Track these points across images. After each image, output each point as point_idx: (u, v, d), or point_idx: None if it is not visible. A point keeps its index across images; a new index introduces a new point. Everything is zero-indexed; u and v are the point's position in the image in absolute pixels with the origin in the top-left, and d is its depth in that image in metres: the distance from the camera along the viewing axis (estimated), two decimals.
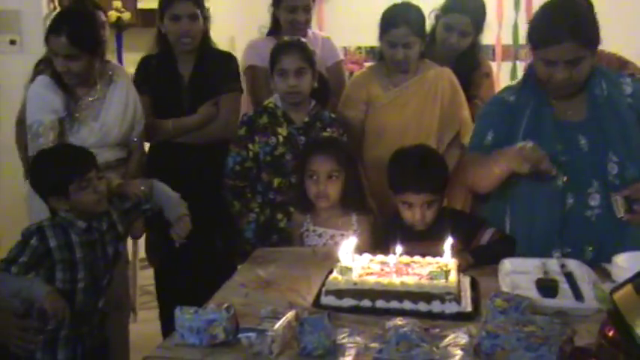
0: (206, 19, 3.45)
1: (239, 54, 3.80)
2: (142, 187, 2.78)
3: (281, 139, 3.09)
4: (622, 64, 3.83)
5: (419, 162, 2.74)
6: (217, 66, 3.46)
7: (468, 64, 3.63)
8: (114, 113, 3.10)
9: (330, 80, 3.72)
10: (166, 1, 3.41)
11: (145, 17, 7.03)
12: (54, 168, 2.59)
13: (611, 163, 2.49)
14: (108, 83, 3.09)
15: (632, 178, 2.49)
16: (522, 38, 5.88)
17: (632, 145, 2.50)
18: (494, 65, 5.90)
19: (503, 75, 5.81)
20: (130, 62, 6.91)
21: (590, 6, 2.54)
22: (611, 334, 1.75)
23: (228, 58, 3.55)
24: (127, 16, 6.79)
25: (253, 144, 3.11)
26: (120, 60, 6.87)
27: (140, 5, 6.94)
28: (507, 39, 6.00)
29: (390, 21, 3.26)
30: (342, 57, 3.95)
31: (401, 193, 2.71)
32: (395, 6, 3.36)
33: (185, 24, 3.35)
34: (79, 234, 2.57)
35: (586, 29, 2.42)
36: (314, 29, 3.96)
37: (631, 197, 2.45)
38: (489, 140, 2.66)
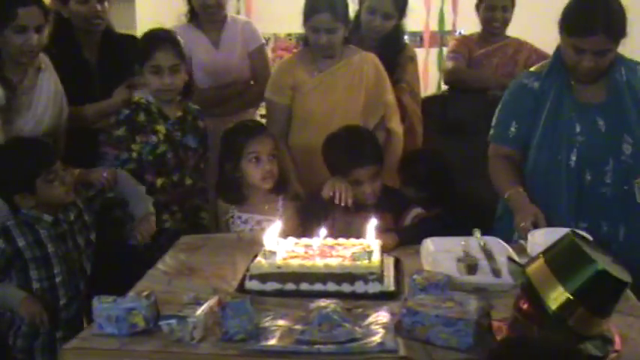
0: (108, 1, 3.34)
1: None
2: (105, 174, 2.75)
3: (161, 136, 2.97)
4: (542, 57, 3.92)
5: (357, 138, 2.89)
6: (124, 49, 3.33)
7: (393, 47, 3.63)
8: (45, 101, 3.00)
9: (253, 65, 3.74)
10: None
11: None
12: (18, 164, 2.51)
13: (626, 144, 2.58)
14: (36, 71, 3.00)
15: None
16: (449, 25, 6.03)
17: None
18: (422, 52, 6.00)
19: (431, 61, 5.87)
20: None
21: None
22: (525, 307, 1.80)
23: (133, 40, 3.42)
24: None
25: (135, 144, 2.97)
26: None
27: None
28: (435, 26, 6.06)
29: (313, 7, 3.22)
30: (263, 41, 3.87)
31: (348, 173, 2.77)
32: None
33: (94, 5, 3.26)
34: (47, 228, 2.51)
35: (618, 24, 2.50)
36: (241, 14, 3.92)
37: None
38: (513, 131, 2.74)
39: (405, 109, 3.71)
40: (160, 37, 2.97)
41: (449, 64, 4.07)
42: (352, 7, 3.55)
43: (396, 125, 3.39)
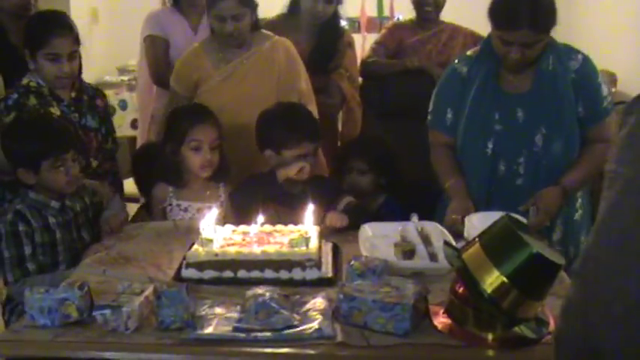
0: None
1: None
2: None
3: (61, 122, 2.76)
4: (479, 40, 3.96)
5: (294, 114, 2.85)
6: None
7: (332, 33, 3.62)
8: None
9: None
10: None
11: None
12: (32, 139, 2.46)
13: (539, 135, 2.58)
14: None
15: (557, 151, 2.58)
16: (386, 10, 6.05)
17: (562, 120, 2.58)
18: (359, 37, 6.02)
19: (369, 46, 5.89)
20: None
21: None
22: (460, 290, 1.82)
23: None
24: None
25: None
26: None
27: None
28: (372, 11, 6.08)
29: None
30: None
31: (287, 146, 2.74)
32: None
33: None
34: (54, 215, 2.46)
35: (544, 17, 2.48)
36: None
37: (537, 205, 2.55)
38: (450, 118, 2.74)
39: (343, 94, 3.71)
40: (58, 23, 2.83)
41: (364, 55, 4.11)
42: None
43: (313, 106, 3.25)
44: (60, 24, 2.82)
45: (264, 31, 3.25)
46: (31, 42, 2.81)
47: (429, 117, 2.85)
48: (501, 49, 2.55)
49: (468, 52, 2.84)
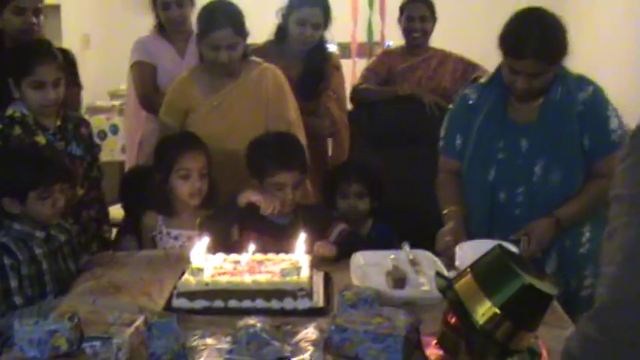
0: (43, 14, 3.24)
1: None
2: None
3: (50, 153, 2.76)
4: (469, 66, 3.99)
5: (286, 142, 2.85)
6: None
7: (319, 57, 3.62)
8: None
9: None
10: None
11: None
12: (21, 169, 2.45)
13: (539, 165, 2.56)
14: None
15: (555, 182, 2.55)
16: (376, 35, 6.08)
17: (562, 151, 2.56)
18: (349, 62, 6.04)
19: (359, 71, 5.91)
20: None
21: (560, 22, 2.53)
22: (452, 321, 1.81)
23: (66, 52, 3.34)
24: None
25: None
26: None
27: None
28: (362, 37, 6.11)
29: (211, 22, 3.02)
30: None
31: (272, 175, 2.72)
32: (213, 6, 3.11)
33: (29, 17, 3.17)
34: (40, 245, 2.44)
35: (550, 48, 2.47)
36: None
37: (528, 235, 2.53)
38: (459, 144, 2.74)
39: (332, 116, 3.72)
40: (41, 51, 2.83)
41: (356, 83, 4.14)
42: (275, 21, 3.57)
43: (302, 135, 3.19)
44: (43, 51, 2.83)
45: (253, 58, 3.24)
46: (15, 70, 2.80)
47: (440, 142, 2.85)
48: (509, 78, 2.55)
49: (481, 80, 2.84)
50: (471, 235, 2.58)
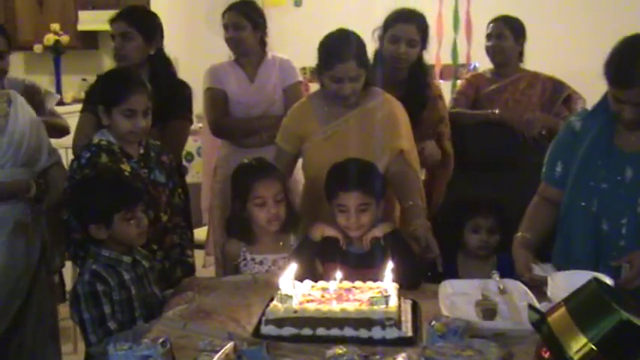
0: (152, 39, 3.41)
1: (182, 75, 3.76)
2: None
3: (128, 175, 2.87)
4: (558, 86, 3.91)
5: (350, 165, 2.80)
6: (168, 93, 3.37)
7: (420, 79, 3.53)
8: (21, 130, 3.02)
9: (286, 101, 3.75)
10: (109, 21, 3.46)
11: (86, 39, 6.98)
12: (103, 194, 2.55)
13: None
14: (8, 101, 3.02)
15: None
16: (461, 57, 6.04)
17: None
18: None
19: (444, 93, 5.88)
20: (69, 85, 6.89)
21: None
22: (546, 355, 1.77)
23: (182, 85, 3.52)
24: (65, 39, 6.70)
25: None
26: (58, 83, 6.78)
27: (80, 27, 6.86)
28: (447, 58, 6.08)
29: (336, 55, 2.96)
30: (300, 79, 3.91)
31: (334, 197, 2.72)
32: (337, 37, 3.06)
33: (118, 42, 3.35)
34: (128, 270, 2.53)
35: None
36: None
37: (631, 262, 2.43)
38: (559, 172, 2.69)
39: (446, 154, 3.62)
40: (134, 80, 2.93)
41: (450, 104, 4.06)
42: (371, 44, 3.45)
43: (415, 164, 3.17)
44: (136, 81, 2.92)
45: (374, 88, 3.16)
46: (108, 98, 2.89)
47: (543, 168, 2.79)
48: (615, 107, 2.47)
49: (589, 107, 2.77)
50: (570, 265, 2.51)
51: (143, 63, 3.41)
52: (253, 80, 3.80)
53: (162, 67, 3.49)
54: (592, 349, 1.66)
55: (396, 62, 3.47)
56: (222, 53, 3.91)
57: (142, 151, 2.95)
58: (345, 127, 3.09)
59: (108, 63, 6.99)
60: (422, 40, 3.47)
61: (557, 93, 3.88)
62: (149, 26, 3.45)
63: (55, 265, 3.25)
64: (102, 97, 2.93)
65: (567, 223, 2.64)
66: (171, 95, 3.41)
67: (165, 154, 3.06)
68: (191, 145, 5.63)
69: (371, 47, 3.39)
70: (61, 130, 3.73)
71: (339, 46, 2.99)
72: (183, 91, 3.51)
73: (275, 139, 3.26)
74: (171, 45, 4.92)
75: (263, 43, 3.83)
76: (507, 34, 3.88)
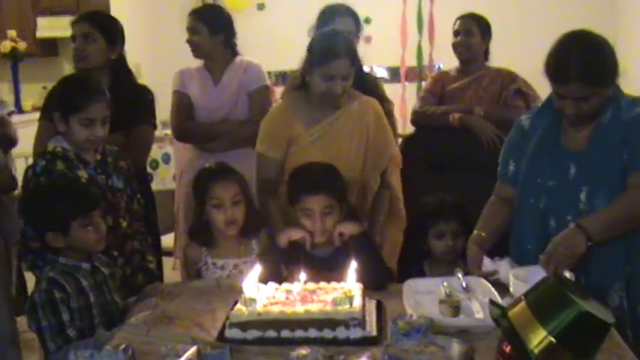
0: (113, 44, 3.38)
1: (145, 82, 3.73)
2: None
3: (84, 182, 2.82)
4: (511, 79, 3.93)
5: (314, 168, 2.80)
6: (130, 98, 3.35)
7: (371, 94, 3.30)
8: None
9: (250, 105, 3.73)
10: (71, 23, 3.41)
11: (45, 46, 6.89)
12: (58, 202, 2.51)
13: (584, 192, 2.49)
14: None
15: (600, 207, 2.46)
16: (426, 59, 6.08)
17: (606, 177, 2.47)
18: (399, 87, 6.06)
19: (409, 95, 5.91)
20: (28, 93, 6.81)
21: (605, 43, 2.46)
22: (508, 350, 1.78)
23: (142, 90, 3.49)
24: (22, 46, 6.60)
25: None
26: (17, 91, 6.68)
27: (39, 34, 6.77)
28: (411, 60, 6.11)
29: (329, 52, 2.91)
30: (267, 83, 3.85)
31: (299, 200, 2.71)
32: (330, 35, 3.04)
33: (78, 43, 3.30)
34: (87, 277, 2.49)
35: (595, 70, 2.40)
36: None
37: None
38: (512, 170, 2.71)
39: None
40: (94, 89, 2.88)
41: (415, 105, 4.08)
42: None
43: (396, 181, 3.22)
44: (96, 89, 2.88)
45: (352, 89, 3.10)
46: (66, 105, 2.85)
47: (498, 167, 2.81)
48: (557, 103, 2.50)
49: (539, 105, 2.81)
50: (521, 260, 2.55)
51: (103, 67, 3.37)
52: (217, 84, 3.77)
53: (124, 72, 3.46)
54: (552, 341, 1.67)
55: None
56: (188, 57, 3.88)
57: (98, 157, 2.91)
58: (332, 130, 3.06)
59: (68, 70, 6.90)
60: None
61: (509, 85, 3.90)
62: (111, 29, 3.41)
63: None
64: (59, 103, 2.88)
65: (518, 220, 2.67)
66: (134, 100, 3.38)
67: (122, 159, 3.03)
68: (156, 152, 5.59)
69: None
70: (7, 141, 3.68)
71: (332, 44, 2.96)
72: (145, 96, 3.48)
73: (257, 149, 3.13)
74: (134, 50, 4.91)
75: (229, 47, 3.78)
76: (475, 30, 3.91)
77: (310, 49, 3.01)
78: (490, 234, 2.66)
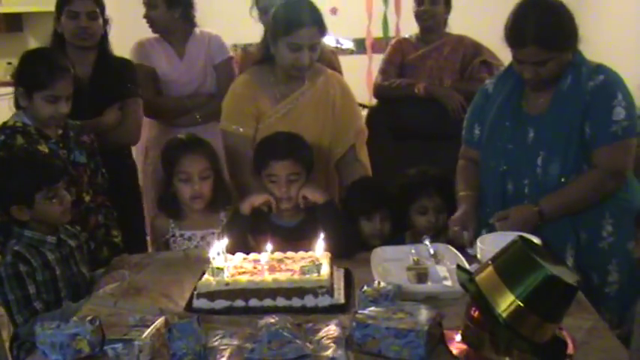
0: (106, 21, 3.31)
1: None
2: None
3: (47, 154, 2.77)
4: (475, 49, 3.93)
5: (280, 136, 2.79)
6: (118, 70, 3.31)
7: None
8: None
9: (218, 78, 3.68)
10: None
11: (10, 21, 6.75)
12: (21, 175, 2.46)
13: (540, 157, 2.51)
14: None
15: (553, 173, 2.49)
16: (392, 31, 6.05)
17: (562, 143, 2.48)
18: (365, 58, 6.03)
19: (375, 67, 5.88)
20: None
21: (562, 8, 2.47)
22: (476, 315, 1.80)
23: (127, 63, 3.42)
24: None
25: None
26: None
27: (3, 9, 6.64)
28: (377, 32, 6.08)
29: (295, 20, 2.81)
30: (230, 54, 3.80)
31: (265, 166, 2.69)
32: (296, 2, 2.91)
33: (83, 21, 3.21)
34: (52, 250, 2.46)
35: (551, 34, 2.41)
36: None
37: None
38: (477, 134, 2.72)
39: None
40: (60, 66, 2.80)
41: (377, 78, 4.05)
42: None
43: (365, 157, 3.15)
44: (62, 66, 2.81)
45: (316, 63, 3.00)
46: (30, 81, 2.78)
47: (462, 132, 2.82)
48: (517, 68, 2.52)
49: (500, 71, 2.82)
50: (482, 222, 2.57)
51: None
52: (182, 57, 3.69)
53: (108, 46, 3.38)
54: (519, 305, 1.69)
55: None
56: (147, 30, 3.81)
57: (60, 131, 2.87)
58: (298, 105, 2.99)
59: (33, 45, 6.76)
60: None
61: (474, 58, 3.90)
62: (104, 6, 3.33)
63: None
64: (24, 79, 2.82)
65: (481, 181, 2.69)
66: (121, 73, 3.32)
67: (85, 134, 2.98)
68: None
69: None
70: None
71: (299, 11, 2.85)
72: (130, 68, 3.40)
73: (221, 126, 3.07)
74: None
75: (187, 20, 3.69)
76: None
77: (275, 17, 2.91)
78: (474, 191, 2.67)
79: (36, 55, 2.97)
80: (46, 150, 2.78)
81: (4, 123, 2.83)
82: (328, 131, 3.02)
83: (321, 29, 2.87)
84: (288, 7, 2.91)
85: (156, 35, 3.74)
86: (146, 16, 3.65)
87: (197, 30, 3.74)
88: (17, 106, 2.86)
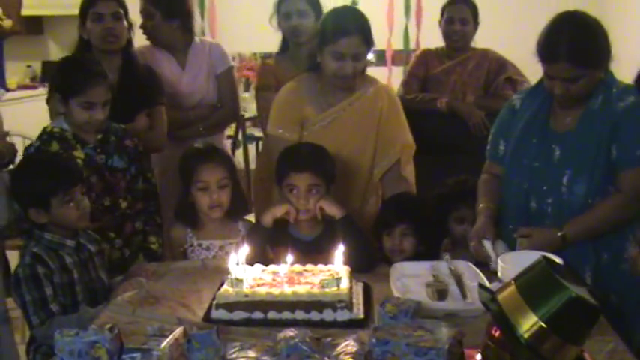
0: (130, 25, 3.31)
1: None
2: None
3: (80, 162, 2.79)
4: (499, 65, 3.92)
5: (303, 147, 2.80)
6: (144, 77, 3.31)
7: None
8: None
9: (220, 88, 3.65)
10: (88, 1, 3.25)
11: (31, 24, 6.81)
12: (38, 178, 2.49)
13: (566, 176, 2.49)
14: None
15: (579, 194, 2.47)
16: (413, 43, 6.06)
17: (588, 163, 2.46)
18: (385, 70, 6.03)
19: (395, 79, 5.89)
20: (13, 71, 6.74)
21: (597, 25, 2.45)
22: (497, 334, 1.77)
23: (152, 70, 3.40)
24: (8, 23, 6.53)
25: None
26: (1, 69, 6.63)
27: (25, 12, 6.70)
28: (398, 44, 6.08)
29: (339, 28, 2.80)
30: (232, 64, 3.79)
31: (285, 177, 2.69)
32: (343, 11, 2.98)
33: (109, 22, 3.20)
34: (71, 254, 2.48)
35: (584, 50, 2.40)
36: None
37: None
38: (502, 150, 2.70)
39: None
40: (95, 71, 2.84)
41: (399, 91, 4.01)
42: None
43: (410, 173, 3.07)
44: (96, 72, 2.84)
45: (367, 74, 3.01)
46: (65, 88, 2.82)
47: (487, 147, 2.80)
48: (547, 84, 2.50)
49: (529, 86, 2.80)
50: (504, 239, 2.55)
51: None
52: (184, 67, 3.61)
53: (133, 53, 3.38)
54: (542, 326, 1.67)
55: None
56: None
57: (99, 136, 2.88)
58: (344, 116, 2.96)
59: (53, 49, 6.86)
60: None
61: (498, 74, 3.89)
62: (127, 9, 3.32)
63: None
64: (59, 85, 2.86)
65: (504, 199, 2.67)
66: (147, 81, 3.32)
67: (129, 138, 2.98)
68: None
69: None
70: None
71: (344, 20, 2.86)
72: (155, 75, 3.39)
73: (269, 130, 3.06)
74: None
75: (186, 31, 3.61)
76: (470, 18, 3.88)
77: (321, 25, 2.93)
78: (494, 204, 2.65)
79: (71, 61, 3.02)
80: (82, 156, 2.81)
81: (44, 128, 2.87)
82: (371, 143, 2.98)
83: (366, 39, 2.84)
84: (335, 15, 2.94)
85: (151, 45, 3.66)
86: (143, 27, 3.56)
87: (197, 39, 3.70)
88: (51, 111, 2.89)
